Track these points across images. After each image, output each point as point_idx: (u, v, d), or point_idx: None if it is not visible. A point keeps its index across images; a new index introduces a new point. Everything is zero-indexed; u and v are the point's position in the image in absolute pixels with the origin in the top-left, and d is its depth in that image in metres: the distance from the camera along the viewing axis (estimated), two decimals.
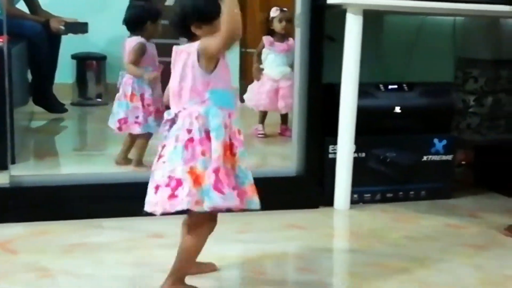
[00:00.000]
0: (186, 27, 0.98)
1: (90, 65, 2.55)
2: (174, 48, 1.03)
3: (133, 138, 1.86)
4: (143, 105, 1.78)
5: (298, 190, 1.57)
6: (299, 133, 1.63)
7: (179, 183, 0.93)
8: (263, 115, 2.19)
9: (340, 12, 1.60)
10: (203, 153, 0.93)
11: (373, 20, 1.78)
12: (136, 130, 1.80)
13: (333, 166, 1.64)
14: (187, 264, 1.03)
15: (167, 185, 0.94)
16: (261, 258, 1.23)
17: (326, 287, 1.19)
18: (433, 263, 1.30)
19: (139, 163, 1.84)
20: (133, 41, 1.80)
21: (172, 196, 0.93)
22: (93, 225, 1.45)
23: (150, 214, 0.97)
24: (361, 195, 1.70)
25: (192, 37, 0.99)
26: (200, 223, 0.99)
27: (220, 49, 0.96)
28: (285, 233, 1.46)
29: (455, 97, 1.90)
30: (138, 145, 1.85)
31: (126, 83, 1.81)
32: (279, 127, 2.18)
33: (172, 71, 1.02)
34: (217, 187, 0.92)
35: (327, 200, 1.66)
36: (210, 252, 1.06)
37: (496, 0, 1.63)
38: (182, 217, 1.03)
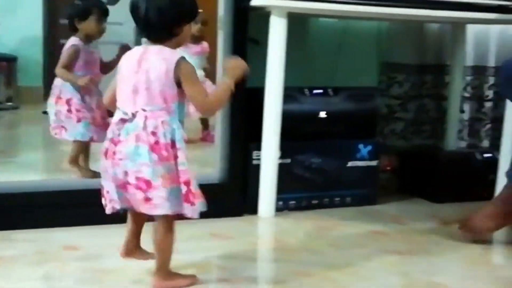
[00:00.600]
0: (168, 26, 0.99)
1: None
2: (138, 47, 1.04)
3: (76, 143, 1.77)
4: (69, 110, 1.69)
5: (221, 198, 1.49)
6: (222, 138, 1.59)
7: (149, 185, 0.96)
8: None
9: (264, 15, 1.57)
10: (167, 159, 0.97)
11: (298, 23, 1.77)
12: (63, 135, 1.73)
13: (257, 173, 1.59)
14: (169, 257, 1.07)
15: (138, 187, 0.97)
16: (181, 268, 1.17)
17: None
18: (358, 271, 1.28)
19: (72, 162, 1.75)
20: (68, 43, 1.72)
21: (147, 199, 0.97)
22: (1, 238, 1.36)
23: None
24: (286, 202, 1.66)
25: (166, 39, 1.00)
26: (170, 220, 1.04)
27: (199, 107, 1.04)
28: (207, 242, 1.42)
29: (379, 102, 1.92)
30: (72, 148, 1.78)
31: (54, 85, 1.74)
32: (200, 132, 2.15)
33: (127, 68, 1.01)
34: (188, 199, 0.99)
35: (251, 207, 1.61)
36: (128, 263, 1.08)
37: (421, 4, 1.65)
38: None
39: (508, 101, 1.76)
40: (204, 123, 2.15)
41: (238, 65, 1.07)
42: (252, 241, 1.50)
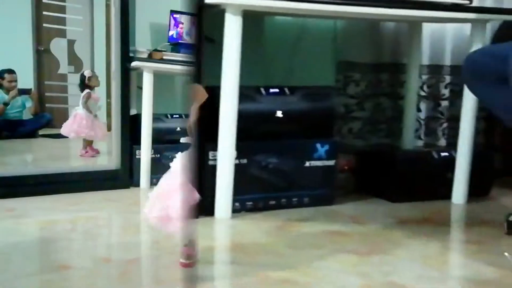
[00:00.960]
0: None
1: None
2: None
3: None
4: None
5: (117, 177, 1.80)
6: (116, 145, 1.93)
7: None
8: None
9: (219, 12, 1.57)
10: None
11: (254, 22, 1.83)
12: None
13: (213, 174, 1.60)
14: None
15: None
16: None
17: None
18: (316, 272, 1.28)
19: None
20: None
21: None
22: None
23: None
24: (243, 203, 1.67)
25: None
26: None
27: None
28: (104, 203, 1.72)
29: (336, 101, 1.91)
30: None
31: None
32: None
33: None
34: None
35: (207, 209, 1.62)
36: None
37: (377, 3, 1.64)
38: None
39: (464, 100, 1.77)
40: None
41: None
42: (209, 244, 1.49)
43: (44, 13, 3.30)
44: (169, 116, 2.59)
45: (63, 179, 2.20)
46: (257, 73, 1.95)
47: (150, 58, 2.42)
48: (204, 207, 1.59)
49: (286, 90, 1.73)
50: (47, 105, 3.75)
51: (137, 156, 2.39)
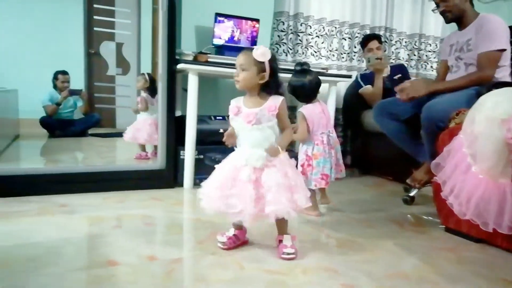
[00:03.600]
0: None
1: None
2: None
3: None
4: None
5: (162, 177, 2.44)
6: (162, 144, 2.46)
7: None
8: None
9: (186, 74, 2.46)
10: None
11: (208, 78, 2.84)
12: None
13: (183, 163, 2.49)
14: None
15: None
16: (130, 216, 1.87)
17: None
18: None
19: None
20: None
21: None
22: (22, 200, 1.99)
23: None
24: (200, 180, 2.20)
25: None
26: None
27: None
28: (149, 202, 2.12)
29: None
30: None
31: None
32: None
33: None
34: None
35: (179, 183, 2.49)
36: None
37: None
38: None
39: None
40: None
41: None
42: (178, 201, 2.19)
43: (95, 17, 3.42)
44: (212, 117, 2.70)
45: (111, 177, 2.27)
46: (209, 107, 2.88)
47: (195, 60, 2.46)
48: (177, 182, 2.48)
49: (226, 117, 2.48)
50: (96, 105, 3.90)
51: (181, 157, 2.50)
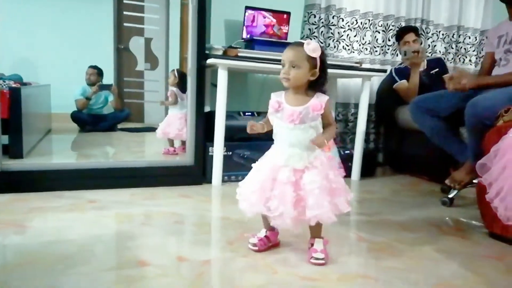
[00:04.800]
0: None
1: None
2: None
3: None
4: None
5: (190, 174, 2.42)
6: (191, 141, 2.45)
7: None
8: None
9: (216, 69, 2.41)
10: None
11: (237, 73, 2.81)
12: None
13: (211, 160, 2.46)
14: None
15: None
16: (158, 214, 1.85)
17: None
18: None
19: None
20: None
21: None
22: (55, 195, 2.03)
23: None
24: (228, 177, 2.53)
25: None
26: None
27: None
28: (177, 199, 2.10)
29: None
30: None
31: None
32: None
33: None
34: None
35: (208, 180, 2.47)
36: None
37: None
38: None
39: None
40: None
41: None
42: (207, 198, 2.18)
43: (125, 13, 3.44)
44: (241, 113, 2.66)
45: (140, 173, 2.26)
46: (238, 103, 2.89)
47: (225, 55, 2.40)
48: (206, 178, 2.47)
49: (255, 113, 2.69)
50: (125, 100, 3.94)
51: (209, 153, 2.46)
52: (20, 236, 1.47)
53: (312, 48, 1.28)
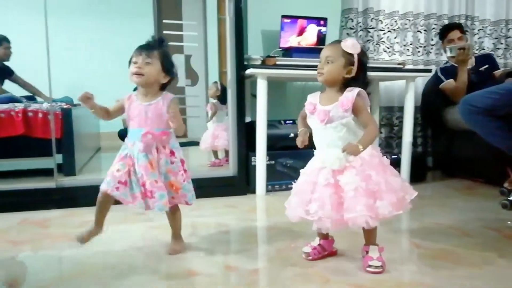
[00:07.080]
0: None
1: None
2: None
3: None
4: None
5: (234, 184, 2.44)
6: (233, 151, 2.47)
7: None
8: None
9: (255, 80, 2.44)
10: None
11: (277, 83, 2.88)
12: None
13: (254, 170, 2.47)
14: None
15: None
16: (207, 225, 1.85)
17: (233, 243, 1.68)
18: None
19: None
20: None
21: None
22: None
23: None
24: (272, 186, 2.54)
25: None
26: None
27: None
28: (223, 210, 2.11)
29: None
30: None
31: None
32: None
33: None
34: None
35: (251, 190, 2.48)
36: None
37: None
38: None
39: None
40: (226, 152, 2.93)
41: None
42: (252, 208, 2.17)
43: (165, 32, 3.55)
44: (282, 122, 2.67)
45: None
46: (279, 112, 2.85)
47: (263, 64, 2.42)
48: (250, 188, 2.47)
49: (295, 121, 2.40)
50: None
51: (252, 163, 2.46)
52: (74, 248, 1.51)
53: (349, 44, 1.26)
